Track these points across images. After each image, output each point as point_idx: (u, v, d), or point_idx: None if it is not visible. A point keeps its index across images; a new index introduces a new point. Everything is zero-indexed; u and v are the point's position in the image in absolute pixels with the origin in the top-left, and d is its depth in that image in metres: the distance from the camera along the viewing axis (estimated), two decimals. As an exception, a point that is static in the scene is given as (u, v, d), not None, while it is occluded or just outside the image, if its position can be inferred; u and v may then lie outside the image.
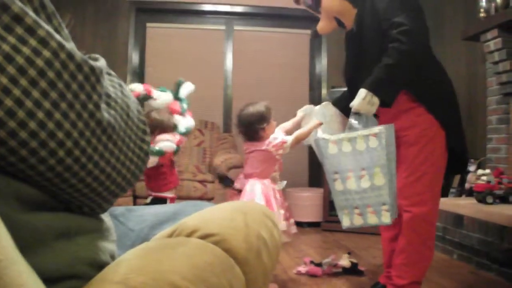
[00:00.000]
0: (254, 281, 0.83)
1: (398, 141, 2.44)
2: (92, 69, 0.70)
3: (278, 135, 2.73)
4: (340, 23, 2.66)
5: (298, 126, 2.87)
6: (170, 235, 0.84)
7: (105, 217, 0.88)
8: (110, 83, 0.80)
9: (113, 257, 0.84)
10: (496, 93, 4.13)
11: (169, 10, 5.99)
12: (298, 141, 2.72)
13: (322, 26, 2.69)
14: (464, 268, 3.49)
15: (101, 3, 5.76)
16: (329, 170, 2.40)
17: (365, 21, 2.46)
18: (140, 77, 5.95)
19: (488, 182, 3.66)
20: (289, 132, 2.87)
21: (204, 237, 0.80)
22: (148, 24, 6.03)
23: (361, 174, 2.28)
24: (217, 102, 6.04)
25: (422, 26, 2.30)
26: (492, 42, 3.91)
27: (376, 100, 2.26)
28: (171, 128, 3.45)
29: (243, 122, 2.86)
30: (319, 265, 3.28)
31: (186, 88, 3.62)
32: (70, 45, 0.67)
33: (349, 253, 3.46)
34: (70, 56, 0.66)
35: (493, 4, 3.95)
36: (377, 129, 2.24)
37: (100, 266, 0.77)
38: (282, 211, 2.72)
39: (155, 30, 6.05)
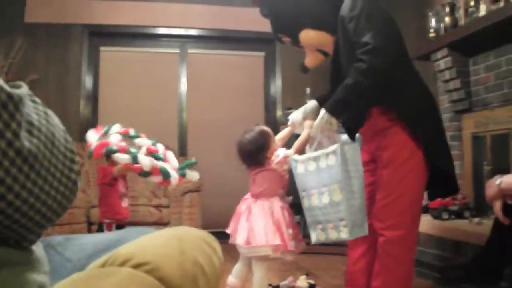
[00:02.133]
0: None
1: (377, 161, 2.48)
2: (10, 96, 0.66)
3: (280, 152, 2.67)
4: (326, 54, 2.65)
5: (291, 134, 2.88)
6: (103, 265, 0.80)
7: (36, 247, 0.84)
8: (34, 110, 0.76)
9: (43, 290, 0.81)
10: (448, 110, 4.21)
11: (123, 34, 5.94)
12: (298, 151, 2.66)
13: (309, 61, 2.69)
14: (423, 284, 3.50)
15: (53, 27, 5.66)
16: (299, 189, 2.45)
17: (339, 46, 2.46)
18: (93, 101, 5.87)
19: (443, 198, 3.71)
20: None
21: (136, 266, 0.76)
22: (101, 48, 5.97)
23: (323, 190, 2.31)
24: (172, 126, 5.98)
25: (389, 42, 2.23)
26: (442, 61, 4.00)
27: (334, 121, 2.26)
28: None
29: (244, 152, 2.78)
30: (276, 287, 3.25)
31: (191, 175, 3.32)
32: None
33: (307, 274, 3.44)
34: None
35: (442, 24, 4.04)
36: (334, 147, 2.26)
37: None
38: (290, 231, 2.63)
39: (109, 54, 5.98)
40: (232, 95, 6.12)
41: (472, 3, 3.78)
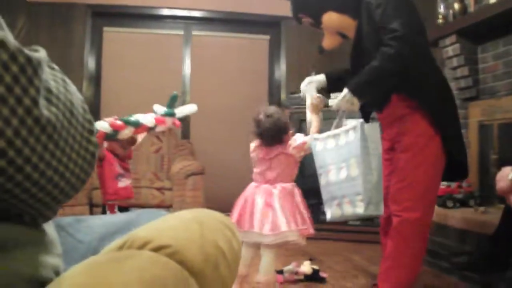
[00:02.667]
0: None
1: (395, 147, 2.58)
2: (29, 59, 0.62)
3: (298, 137, 2.64)
4: (344, 36, 2.70)
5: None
6: (120, 248, 0.76)
7: (49, 228, 0.80)
8: (51, 77, 0.72)
9: (57, 273, 0.77)
10: (455, 97, 4.16)
11: (127, 14, 5.88)
12: (318, 131, 2.65)
13: (328, 43, 2.72)
14: (428, 272, 3.49)
15: (56, 7, 5.59)
16: (317, 167, 2.50)
17: (363, 31, 2.51)
18: (96, 82, 5.83)
19: (448, 186, 3.69)
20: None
21: (156, 249, 0.73)
22: (105, 29, 5.91)
23: (341, 166, 2.34)
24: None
25: (415, 31, 2.34)
26: (451, 48, 3.95)
27: (355, 101, 2.35)
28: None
29: (269, 130, 2.64)
30: (280, 272, 3.23)
31: (188, 108, 3.25)
32: (3, 33, 0.59)
33: (310, 260, 3.43)
34: (2, 44, 0.59)
35: (451, 11, 3.99)
36: (355, 123, 2.31)
37: (41, 283, 0.70)
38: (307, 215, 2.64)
39: (112, 35, 5.93)
40: (236, 78, 6.07)
41: (483, -11, 3.73)
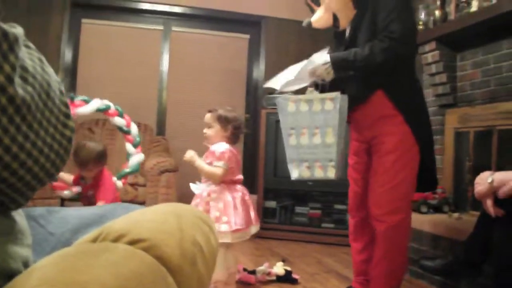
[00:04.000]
0: None
1: (374, 148, 2.61)
2: (5, 34, 0.58)
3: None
4: (334, 22, 2.72)
5: None
6: (94, 240, 0.72)
7: (19, 217, 0.76)
8: (28, 55, 0.68)
9: (26, 265, 0.73)
10: (432, 104, 4.19)
11: (106, 7, 5.78)
12: None
13: (319, 20, 2.71)
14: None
15: (34, -4, 5.49)
16: (286, 126, 2.58)
17: (362, 25, 2.52)
18: (72, 74, 5.73)
19: (422, 191, 3.70)
20: None
21: (132, 242, 0.69)
22: (83, 20, 5.80)
23: (314, 132, 2.48)
24: (151, 104, 5.86)
25: (412, 39, 2.45)
26: (430, 54, 3.97)
27: (331, 72, 2.48)
28: (106, 159, 3.32)
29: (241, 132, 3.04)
30: (252, 272, 3.21)
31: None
32: None
33: (283, 261, 3.41)
34: None
35: (431, 17, 4.01)
36: (333, 94, 2.44)
37: (9, 275, 0.66)
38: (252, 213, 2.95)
39: (91, 27, 5.83)
40: (214, 76, 6.02)
41: (464, -2, 3.75)
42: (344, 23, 2.68)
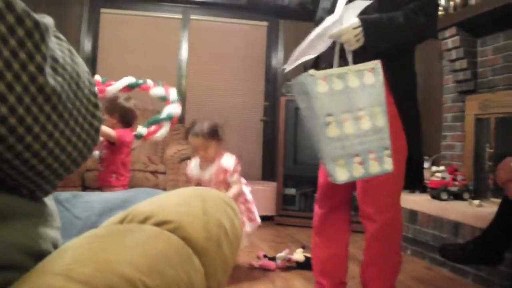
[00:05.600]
0: (213, 273, 0.75)
1: None
2: (36, 24, 0.59)
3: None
4: None
5: None
6: (121, 222, 0.74)
7: (49, 200, 0.78)
8: (58, 46, 0.69)
9: (55, 246, 0.75)
10: (452, 90, 4.16)
11: (125, -4, 5.82)
12: None
13: None
14: (418, 263, 3.50)
15: (53, -14, 5.52)
16: (320, 113, 1.89)
17: None
18: (92, 63, 5.77)
19: (443, 178, 3.69)
20: None
21: (159, 224, 0.71)
22: (102, 10, 5.84)
23: (359, 114, 1.92)
24: (171, 92, 5.90)
25: (435, 20, 2.26)
26: (450, 40, 3.94)
27: (361, 39, 2.03)
28: (136, 117, 3.30)
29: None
30: (272, 259, 3.23)
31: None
32: None
33: (303, 248, 3.42)
34: (8, 5, 0.56)
35: (451, 3, 3.97)
36: (372, 63, 1.96)
37: (40, 255, 0.68)
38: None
39: (110, 16, 5.86)
40: (233, 64, 6.03)
41: (484, -18, 3.71)
42: None
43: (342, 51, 2.05)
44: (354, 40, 2.00)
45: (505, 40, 3.67)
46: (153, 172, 4.68)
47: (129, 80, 3.46)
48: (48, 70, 0.61)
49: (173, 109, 3.42)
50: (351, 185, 2.29)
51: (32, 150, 0.62)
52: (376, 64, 1.95)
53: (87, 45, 5.72)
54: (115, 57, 5.78)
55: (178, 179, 4.58)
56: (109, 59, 5.79)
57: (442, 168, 3.96)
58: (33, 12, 0.60)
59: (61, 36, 0.72)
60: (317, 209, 2.49)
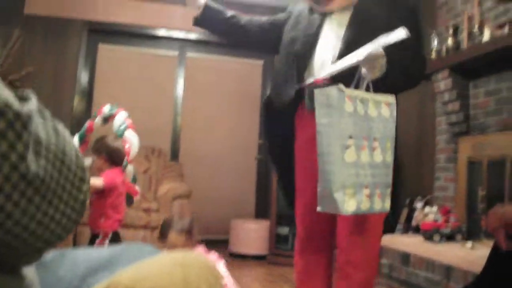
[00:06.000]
0: None
1: None
2: (18, 115, 0.60)
3: None
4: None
5: None
6: (102, 293, 0.75)
7: (28, 270, 0.78)
8: (42, 126, 0.70)
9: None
10: (445, 132, 4.20)
11: (123, 32, 5.87)
12: None
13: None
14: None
15: (53, 21, 5.56)
16: (342, 133, 1.74)
17: (373, 17, 2.06)
18: (88, 97, 5.80)
19: (435, 220, 3.69)
20: None
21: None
22: (100, 45, 5.90)
23: (374, 145, 1.82)
24: (166, 129, 5.93)
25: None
26: (443, 82, 3.98)
27: (382, 71, 1.89)
28: (124, 156, 3.23)
29: None
30: (263, 301, 3.21)
31: None
32: None
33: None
34: None
35: (444, 46, 4.03)
36: (390, 98, 1.89)
37: None
38: None
39: (107, 51, 5.92)
40: (229, 102, 6.08)
41: (476, 27, 3.77)
42: (339, 3, 2.11)
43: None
44: (379, 68, 1.89)
45: (496, 83, 3.72)
46: (146, 210, 4.67)
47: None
48: (30, 156, 0.62)
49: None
50: (332, 230, 2.16)
51: (13, 233, 0.62)
52: (393, 99, 1.90)
53: (84, 78, 5.76)
54: (112, 91, 5.81)
55: (170, 217, 4.58)
56: (105, 93, 5.81)
57: (435, 209, 3.97)
58: (14, 99, 0.61)
59: (46, 113, 0.73)
60: (297, 260, 2.33)
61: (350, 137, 1.75)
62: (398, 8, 2.09)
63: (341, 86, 1.74)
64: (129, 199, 3.31)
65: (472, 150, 3.91)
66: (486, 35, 3.56)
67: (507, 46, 3.26)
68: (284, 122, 2.25)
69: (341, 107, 1.73)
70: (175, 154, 5.88)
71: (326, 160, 1.74)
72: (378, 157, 1.82)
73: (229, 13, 2.38)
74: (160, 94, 5.95)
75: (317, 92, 1.80)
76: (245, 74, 6.17)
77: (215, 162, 5.90)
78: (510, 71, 3.60)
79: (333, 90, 1.74)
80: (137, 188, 3.36)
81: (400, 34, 1.80)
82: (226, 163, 5.90)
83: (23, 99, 0.65)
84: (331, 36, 2.10)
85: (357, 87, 1.85)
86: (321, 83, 1.98)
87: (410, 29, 1.85)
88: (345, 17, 2.09)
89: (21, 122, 0.60)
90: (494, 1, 3.74)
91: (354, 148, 1.75)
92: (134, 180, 3.31)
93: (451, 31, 4.02)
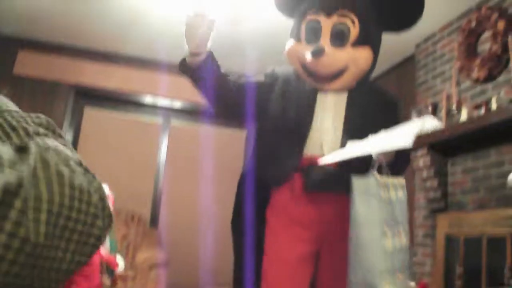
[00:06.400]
0: None
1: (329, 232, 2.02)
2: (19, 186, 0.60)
3: None
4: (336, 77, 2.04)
5: None
6: None
7: None
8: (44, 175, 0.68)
9: None
10: (423, 208, 4.22)
11: (110, 97, 5.93)
12: None
13: (335, 57, 2.00)
14: None
15: (40, 82, 5.60)
16: (381, 222, 1.74)
17: (364, 100, 2.07)
18: (70, 161, 5.78)
19: (412, 298, 3.67)
20: None
21: None
22: (86, 108, 5.95)
23: (400, 229, 1.81)
24: (147, 195, 5.90)
25: None
26: (422, 159, 4.04)
27: (392, 155, 1.92)
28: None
29: None
30: None
31: None
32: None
33: None
34: None
35: (423, 123, 4.10)
36: (402, 180, 1.89)
37: None
38: None
39: (93, 115, 5.96)
40: (211, 171, 6.08)
41: (454, 106, 3.86)
42: (339, 85, 2.05)
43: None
44: (393, 153, 1.90)
45: (473, 161, 3.78)
46: (122, 278, 4.59)
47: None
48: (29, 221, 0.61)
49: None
50: None
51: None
52: (404, 182, 1.89)
53: (68, 139, 5.75)
54: (95, 154, 5.81)
55: (147, 286, 4.50)
56: (89, 155, 5.80)
57: (412, 284, 3.95)
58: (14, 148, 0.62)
59: (61, 133, 0.72)
60: None
61: (387, 224, 1.75)
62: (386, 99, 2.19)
63: (376, 174, 1.77)
64: (110, 272, 3.26)
65: (449, 226, 3.93)
66: (464, 115, 3.64)
67: (483, 126, 3.33)
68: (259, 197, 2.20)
69: (380, 195, 1.74)
70: (154, 220, 5.84)
71: (365, 248, 1.72)
72: (403, 240, 1.82)
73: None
74: (143, 159, 5.97)
75: (356, 181, 1.79)
76: (228, 143, 6.21)
77: (194, 229, 5.85)
78: (486, 150, 3.68)
79: (371, 179, 1.76)
80: (118, 259, 3.30)
81: (433, 123, 1.96)
82: (205, 231, 5.86)
83: (28, 135, 0.66)
84: (328, 115, 2.05)
85: (379, 172, 1.83)
86: (328, 165, 1.92)
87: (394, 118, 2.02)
88: (341, 98, 2.07)
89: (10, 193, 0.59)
90: (471, 81, 3.86)
91: (390, 234, 1.75)
92: (114, 249, 3.27)
93: (430, 108, 4.11)
